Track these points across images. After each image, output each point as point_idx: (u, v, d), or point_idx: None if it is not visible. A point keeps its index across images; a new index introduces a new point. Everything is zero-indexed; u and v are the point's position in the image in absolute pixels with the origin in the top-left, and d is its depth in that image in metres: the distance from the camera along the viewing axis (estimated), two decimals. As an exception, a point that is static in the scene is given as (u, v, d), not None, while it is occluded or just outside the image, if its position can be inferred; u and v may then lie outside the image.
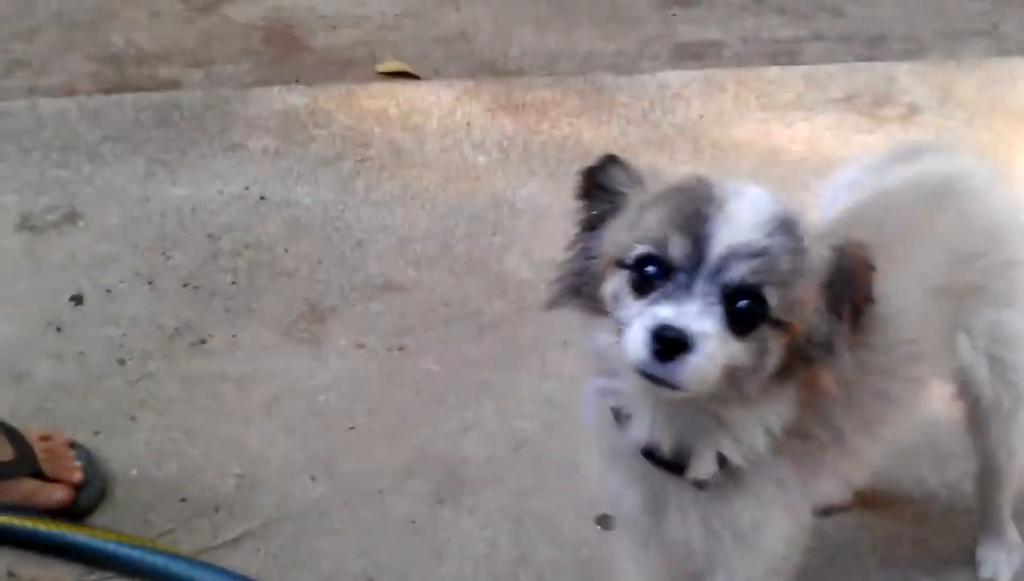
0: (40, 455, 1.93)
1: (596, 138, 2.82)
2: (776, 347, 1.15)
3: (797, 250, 1.13)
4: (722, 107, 2.93)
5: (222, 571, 1.81)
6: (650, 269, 1.14)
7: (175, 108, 2.92)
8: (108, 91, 3.04)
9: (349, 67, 3.21)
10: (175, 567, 1.82)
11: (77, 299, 2.34)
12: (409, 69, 3.16)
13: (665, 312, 1.10)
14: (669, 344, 1.09)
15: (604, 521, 1.89)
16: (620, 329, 1.15)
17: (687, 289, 1.12)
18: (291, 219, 2.56)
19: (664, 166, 2.70)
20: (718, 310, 1.11)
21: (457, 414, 2.10)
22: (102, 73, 3.15)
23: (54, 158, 2.72)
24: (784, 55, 3.26)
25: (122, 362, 2.20)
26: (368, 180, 2.69)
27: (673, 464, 1.27)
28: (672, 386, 1.11)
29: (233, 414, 2.11)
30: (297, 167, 2.73)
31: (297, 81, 3.10)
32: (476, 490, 1.96)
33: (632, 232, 1.18)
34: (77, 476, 1.93)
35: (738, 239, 1.11)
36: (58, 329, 2.26)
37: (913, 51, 3.28)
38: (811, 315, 1.16)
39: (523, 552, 1.86)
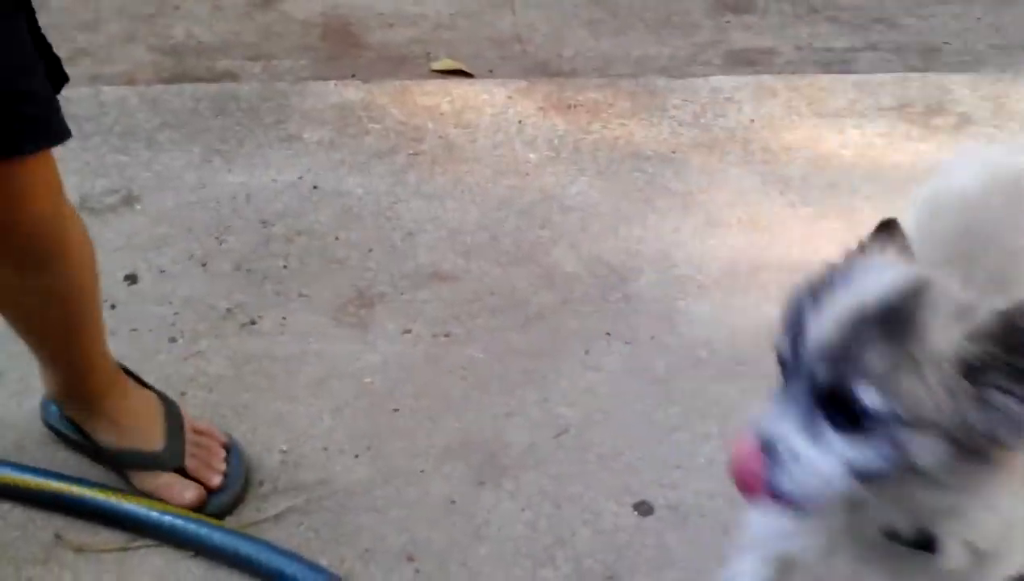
0: (189, 449, 1.94)
1: (647, 138, 2.84)
2: (920, 440, 1.07)
3: (901, 341, 1.06)
4: (773, 112, 2.94)
5: (264, 544, 1.84)
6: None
7: (233, 99, 2.97)
8: (168, 81, 3.10)
9: (404, 64, 3.25)
10: (218, 538, 1.85)
11: (131, 278, 2.39)
12: (463, 68, 3.20)
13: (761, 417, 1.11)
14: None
15: (641, 508, 1.91)
16: None
17: (787, 390, 1.11)
18: (343, 208, 2.60)
19: (714, 167, 2.73)
20: (809, 414, 1.09)
21: (500, 400, 2.12)
22: (162, 64, 3.22)
23: (113, 143, 2.78)
24: (837, 64, 3.27)
25: (173, 340, 2.24)
26: (420, 173, 2.72)
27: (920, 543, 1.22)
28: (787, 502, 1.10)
29: (280, 393, 2.14)
30: (351, 159, 2.76)
31: (353, 76, 3.15)
32: (517, 474, 1.98)
33: None
34: (215, 481, 1.92)
35: (819, 337, 1.08)
36: (112, 306, 2.30)
37: (968, 63, 3.27)
38: (953, 404, 1.06)
39: (561, 535, 1.88)
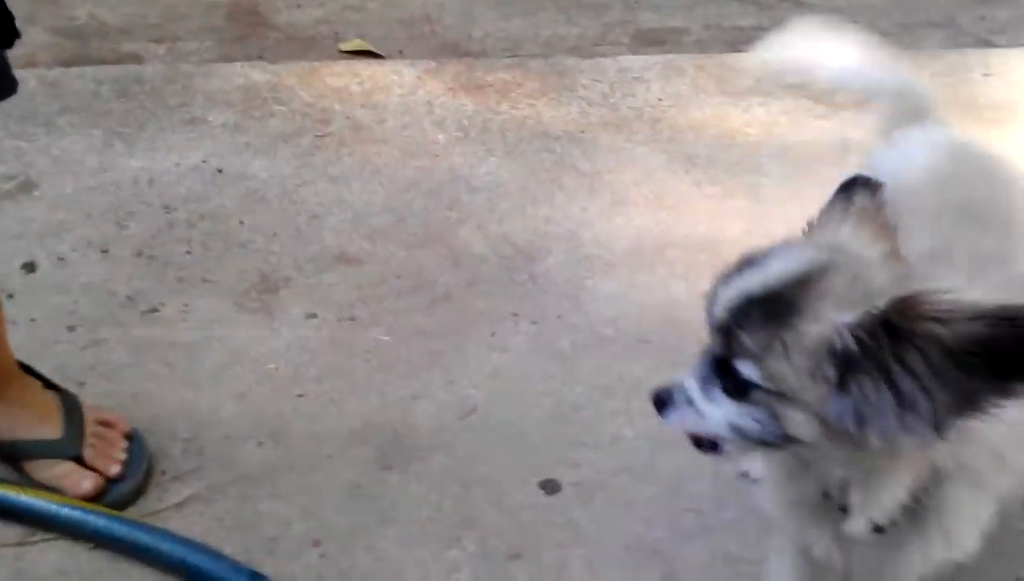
0: (89, 439, 1.90)
1: (555, 118, 2.84)
2: (791, 413, 1.16)
3: (776, 324, 1.15)
4: (681, 91, 2.96)
5: (166, 534, 1.81)
6: None
7: (135, 81, 2.92)
8: (68, 64, 3.03)
9: (312, 45, 3.22)
10: (119, 529, 1.82)
11: (29, 267, 2.33)
12: (372, 49, 3.18)
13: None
14: (656, 400, 1.30)
15: (548, 486, 1.92)
16: None
17: (703, 354, 1.26)
18: (248, 192, 2.57)
19: (621, 147, 2.74)
20: (707, 375, 1.23)
21: (406, 383, 2.11)
22: (63, 46, 3.15)
23: (11, 128, 2.72)
24: (744, 43, 3.28)
25: (72, 328, 2.20)
26: (327, 155, 2.70)
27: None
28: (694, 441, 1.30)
29: (183, 381, 2.11)
30: (256, 141, 2.73)
31: (260, 58, 3.11)
32: (423, 456, 1.98)
33: None
34: (113, 470, 1.89)
35: (716, 317, 1.21)
36: (9, 295, 2.25)
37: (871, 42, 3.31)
38: (815, 387, 1.14)
39: (468, 516, 1.88)
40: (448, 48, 3.24)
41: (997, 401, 1.07)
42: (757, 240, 1.35)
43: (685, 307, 2.25)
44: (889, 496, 1.24)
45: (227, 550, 1.81)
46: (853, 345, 1.11)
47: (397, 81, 2.98)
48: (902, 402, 1.09)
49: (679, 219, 2.52)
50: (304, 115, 2.83)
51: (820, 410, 1.14)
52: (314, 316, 2.25)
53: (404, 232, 2.47)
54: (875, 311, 1.11)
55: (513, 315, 2.25)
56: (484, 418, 2.05)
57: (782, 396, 1.16)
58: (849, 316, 1.12)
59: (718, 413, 1.23)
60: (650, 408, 2.03)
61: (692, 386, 1.26)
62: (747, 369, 1.17)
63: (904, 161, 1.70)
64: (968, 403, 1.08)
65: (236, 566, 1.77)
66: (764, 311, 1.16)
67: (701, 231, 2.47)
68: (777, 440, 1.20)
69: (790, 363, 1.14)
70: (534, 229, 2.48)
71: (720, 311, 1.20)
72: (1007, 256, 1.47)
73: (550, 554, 1.83)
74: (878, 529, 1.29)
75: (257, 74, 2.97)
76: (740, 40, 3.31)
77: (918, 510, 1.28)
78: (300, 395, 2.08)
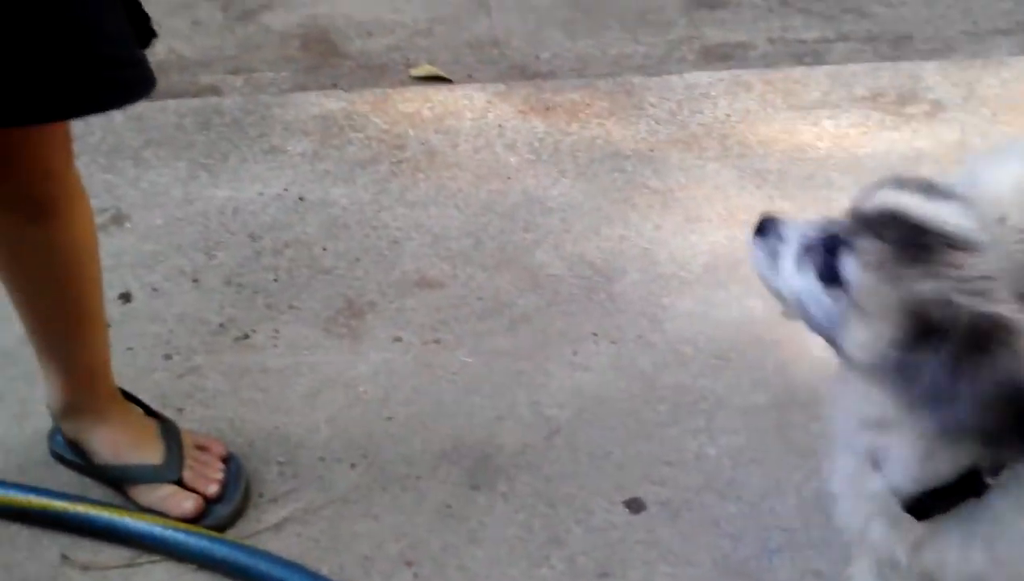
0: (188, 462, 1.99)
1: (625, 137, 2.89)
2: (858, 328, 1.19)
3: (911, 257, 1.16)
4: (748, 106, 2.99)
5: (265, 554, 1.89)
6: None
7: (216, 113, 3.01)
8: (151, 97, 3.12)
9: (384, 72, 3.29)
10: (220, 551, 1.89)
11: (125, 297, 2.43)
12: (442, 74, 3.24)
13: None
14: (759, 225, 1.33)
15: (633, 505, 1.96)
16: None
17: (816, 229, 1.30)
18: (329, 219, 2.64)
19: (692, 164, 2.78)
20: (813, 243, 1.26)
21: (491, 403, 2.17)
22: (145, 80, 3.24)
23: (101, 162, 2.81)
24: (810, 55, 3.31)
25: (168, 357, 2.28)
26: (403, 181, 2.76)
27: None
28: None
29: (276, 405, 2.18)
30: (334, 169, 2.80)
31: (334, 86, 3.19)
32: (510, 476, 2.03)
33: None
34: (212, 489, 1.97)
35: (867, 204, 1.23)
36: (107, 326, 2.34)
37: (939, 50, 3.32)
38: (893, 330, 1.17)
39: (555, 535, 1.93)
40: (516, 71, 3.30)
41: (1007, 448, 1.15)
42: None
43: (761, 324, 2.29)
44: (901, 462, 1.25)
45: (323, 570, 1.88)
46: (955, 326, 1.12)
47: (468, 105, 3.04)
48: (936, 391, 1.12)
49: (752, 235, 2.55)
50: (380, 141, 2.90)
51: (881, 350, 1.17)
52: (399, 340, 2.31)
53: (482, 255, 2.53)
54: (983, 318, 1.12)
55: (593, 335, 2.30)
56: (568, 437, 2.10)
57: (860, 309, 1.18)
58: (972, 303, 1.13)
59: (795, 278, 1.27)
60: (733, 426, 2.10)
61: (792, 240, 1.29)
62: (851, 269, 1.19)
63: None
64: (989, 435, 1.13)
65: (334, 586, 1.84)
66: (915, 238, 1.16)
67: (775, 247, 2.50)
68: (826, 335, 1.25)
69: (893, 291, 1.16)
70: (609, 248, 2.53)
71: (877, 202, 1.20)
72: None
73: (637, 572, 1.88)
74: (916, 512, 1.30)
75: (332, 102, 3.05)
76: (805, 53, 3.33)
77: (968, 511, 1.28)
78: (389, 418, 2.15)
